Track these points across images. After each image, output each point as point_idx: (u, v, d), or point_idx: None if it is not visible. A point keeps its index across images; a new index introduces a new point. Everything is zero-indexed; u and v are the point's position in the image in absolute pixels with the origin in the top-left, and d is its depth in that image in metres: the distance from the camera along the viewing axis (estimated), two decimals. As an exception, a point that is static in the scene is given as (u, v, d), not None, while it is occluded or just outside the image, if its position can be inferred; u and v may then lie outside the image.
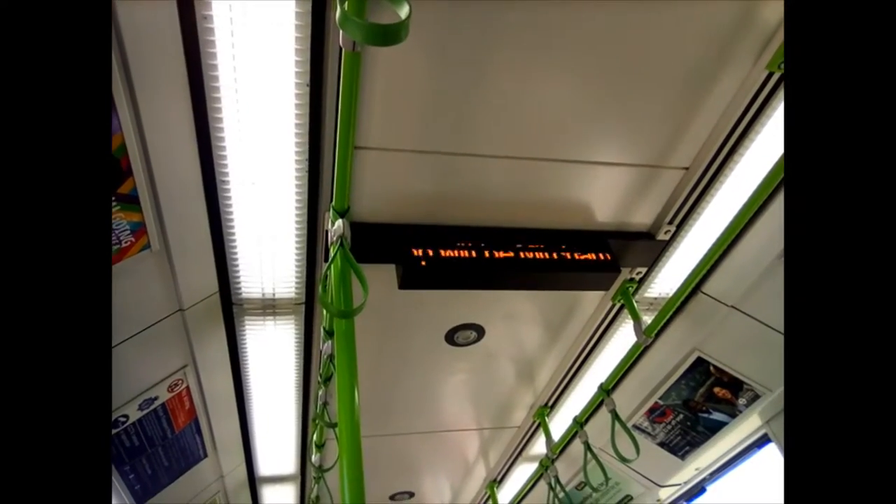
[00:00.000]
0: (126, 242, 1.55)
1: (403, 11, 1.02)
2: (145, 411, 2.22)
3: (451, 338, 2.42)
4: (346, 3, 1.08)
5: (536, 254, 1.89)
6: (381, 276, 1.93)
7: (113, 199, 1.44)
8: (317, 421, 2.54)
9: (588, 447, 2.85)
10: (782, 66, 1.53)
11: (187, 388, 2.33)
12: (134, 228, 1.54)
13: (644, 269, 2.21)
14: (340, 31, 1.11)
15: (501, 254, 1.86)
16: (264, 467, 3.26)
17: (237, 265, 1.86)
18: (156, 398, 2.22)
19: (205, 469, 2.94)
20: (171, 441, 2.51)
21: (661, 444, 3.07)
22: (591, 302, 2.39)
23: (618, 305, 2.38)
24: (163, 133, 1.43)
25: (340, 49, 1.24)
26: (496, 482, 3.88)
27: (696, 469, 3.24)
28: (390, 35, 0.99)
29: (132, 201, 1.49)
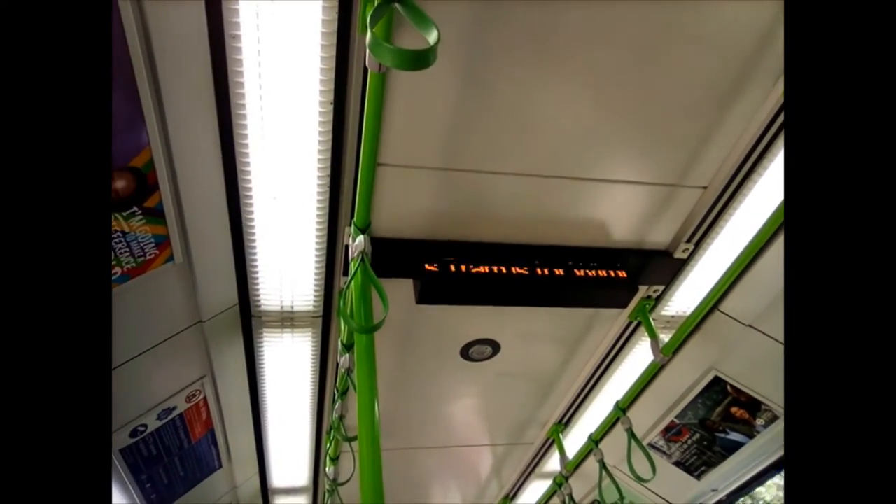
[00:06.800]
0: (151, 255, 1.58)
1: (432, 37, 1.03)
2: (163, 421, 2.24)
3: (466, 353, 2.42)
4: (376, 26, 1.10)
5: (554, 270, 1.90)
6: (398, 291, 1.94)
7: (140, 212, 1.48)
8: (332, 434, 2.54)
9: (603, 465, 2.83)
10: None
11: (204, 398, 2.35)
12: (159, 241, 1.57)
13: (661, 287, 2.20)
14: (367, 53, 1.14)
15: (518, 270, 1.87)
16: (277, 479, 3.26)
17: (257, 278, 1.88)
18: (174, 408, 2.25)
19: (219, 479, 2.96)
20: (188, 451, 2.53)
21: (677, 464, 3.03)
22: (608, 319, 2.38)
23: (634, 323, 2.37)
24: (189, 148, 1.46)
25: (364, 68, 1.27)
26: (509, 498, 3.85)
27: (713, 490, 3.19)
28: (420, 60, 1.01)
29: (157, 215, 1.52)
